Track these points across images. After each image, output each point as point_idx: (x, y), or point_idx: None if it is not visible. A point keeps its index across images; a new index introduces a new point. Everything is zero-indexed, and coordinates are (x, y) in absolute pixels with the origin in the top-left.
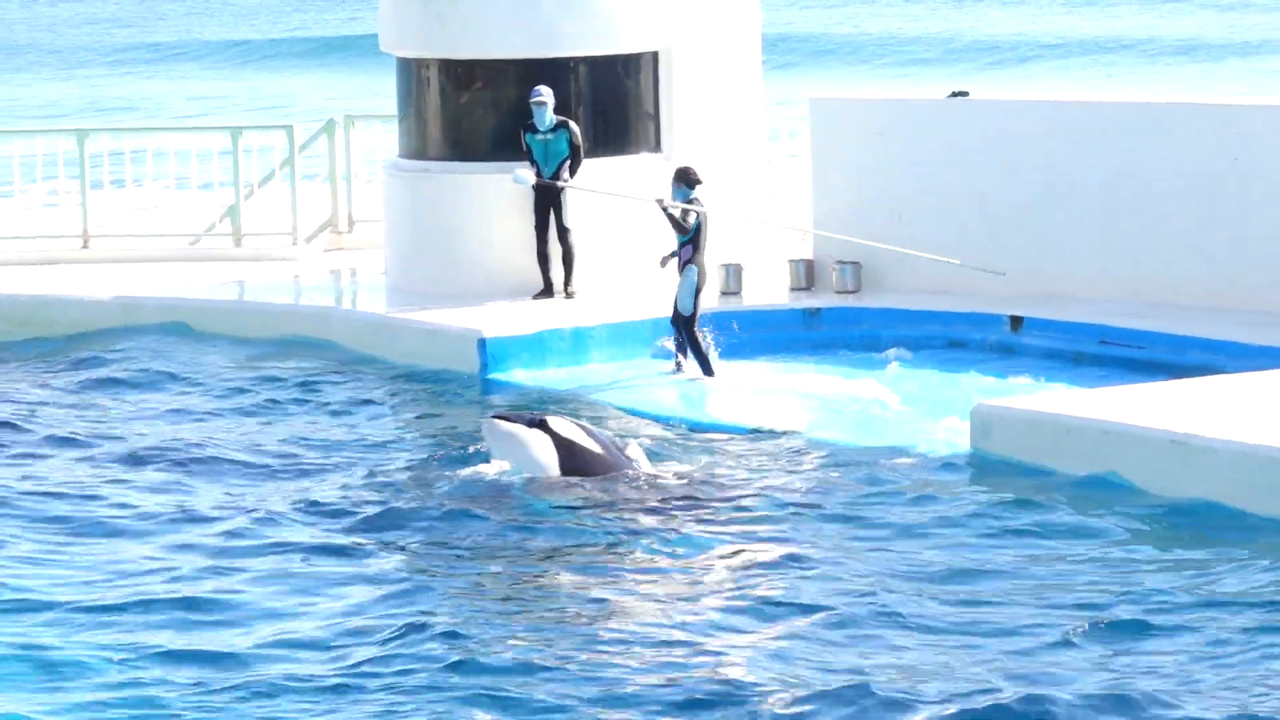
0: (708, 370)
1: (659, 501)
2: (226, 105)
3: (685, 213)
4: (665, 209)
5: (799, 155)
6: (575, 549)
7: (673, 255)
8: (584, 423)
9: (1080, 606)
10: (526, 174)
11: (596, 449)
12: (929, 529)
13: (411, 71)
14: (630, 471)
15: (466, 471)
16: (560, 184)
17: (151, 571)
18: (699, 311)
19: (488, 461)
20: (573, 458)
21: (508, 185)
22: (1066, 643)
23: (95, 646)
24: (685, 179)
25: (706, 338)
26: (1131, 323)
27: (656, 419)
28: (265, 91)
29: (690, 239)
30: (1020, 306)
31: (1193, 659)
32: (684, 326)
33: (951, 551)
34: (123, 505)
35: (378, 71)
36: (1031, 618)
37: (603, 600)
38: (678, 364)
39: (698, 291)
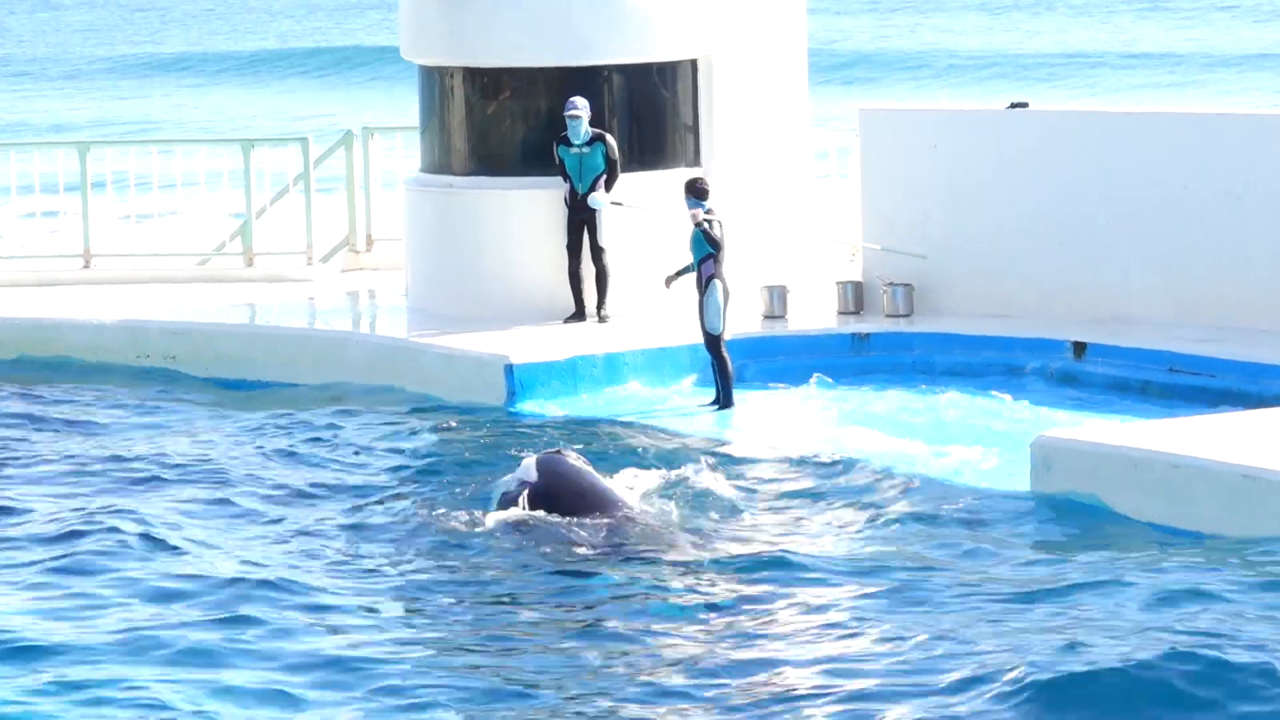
0: (729, 399)
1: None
2: (238, 117)
3: (713, 225)
4: (706, 227)
5: (849, 174)
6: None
7: (680, 274)
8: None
9: (1159, 653)
10: (601, 197)
11: (583, 484)
12: (984, 573)
13: (434, 80)
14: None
15: (491, 515)
16: (638, 207)
17: (154, 599)
18: (726, 331)
19: (511, 498)
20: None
21: (540, 202)
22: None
23: (83, 686)
24: (696, 190)
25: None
26: (1202, 349)
27: (690, 452)
28: (279, 102)
29: (712, 253)
30: (1083, 331)
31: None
32: (712, 348)
33: (1011, 600)
34: (122, 537)
35: (398, 82)
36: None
37: (627, 659)
38: (719, 394)
39: (724, 308)
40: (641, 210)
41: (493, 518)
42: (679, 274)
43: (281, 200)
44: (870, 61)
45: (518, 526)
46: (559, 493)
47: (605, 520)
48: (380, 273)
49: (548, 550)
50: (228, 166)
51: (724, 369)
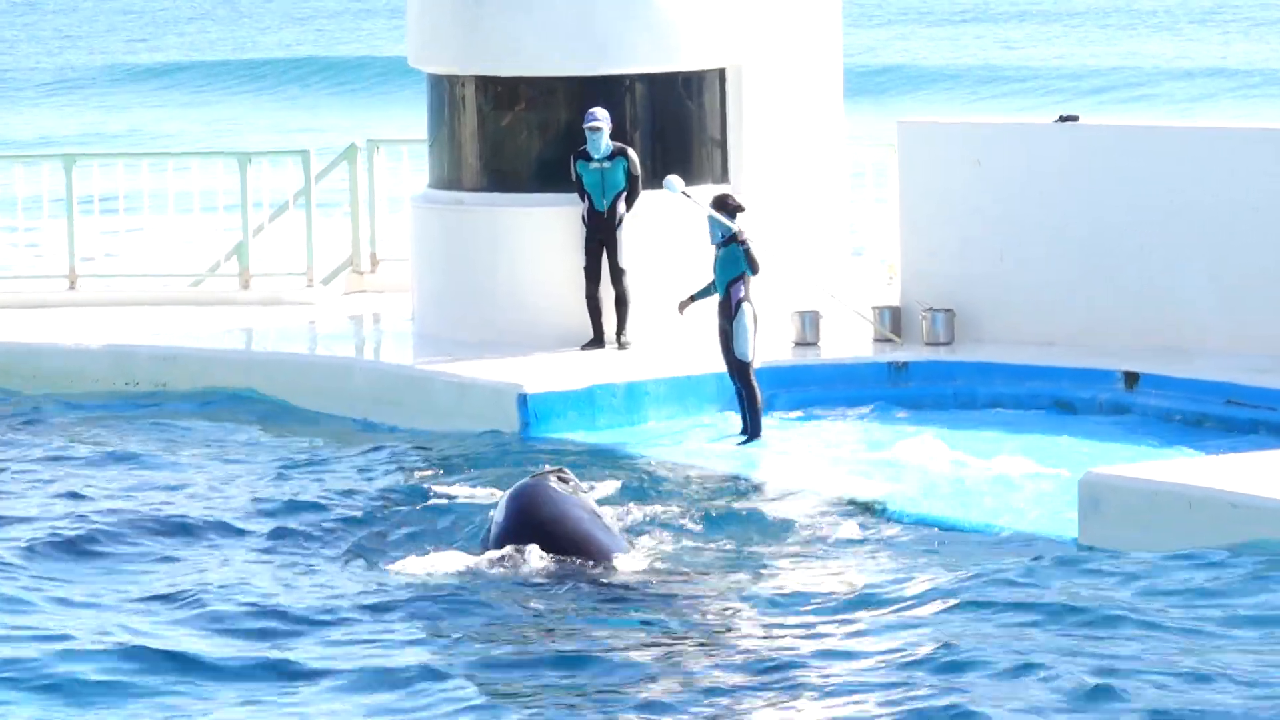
0: (757, 431)
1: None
2: (235, 128)
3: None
4: (749, 246)
5: (886, 195)
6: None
7: (696, 298)
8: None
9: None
10: (676, 180)
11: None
12: (1027, 619)
13: (444, 90)
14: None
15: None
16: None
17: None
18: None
19: (485, 538)
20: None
21: (556, 221)
22: None
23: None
24: (726, 207)
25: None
26: (1262, 380)
27: (716, 487)
28: (278, 115)
29: (741, 275)
30: (1135, 361)
31: None
32: (741, 375)
33: (1053, 650)
34: (113, 568)
35: (404, 95)
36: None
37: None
38: (745, 426)
39: (754, 333)
40: (703, 210)
41: (461, 561)
42: (694, 298)
43: (280, 218)
44: (905, 74)
45: (484, 570)
46: (527, 532)
47: (585, 563)
48: (385, 295)
49: (510, 594)
50: (223, 181)
51: (753, 399)
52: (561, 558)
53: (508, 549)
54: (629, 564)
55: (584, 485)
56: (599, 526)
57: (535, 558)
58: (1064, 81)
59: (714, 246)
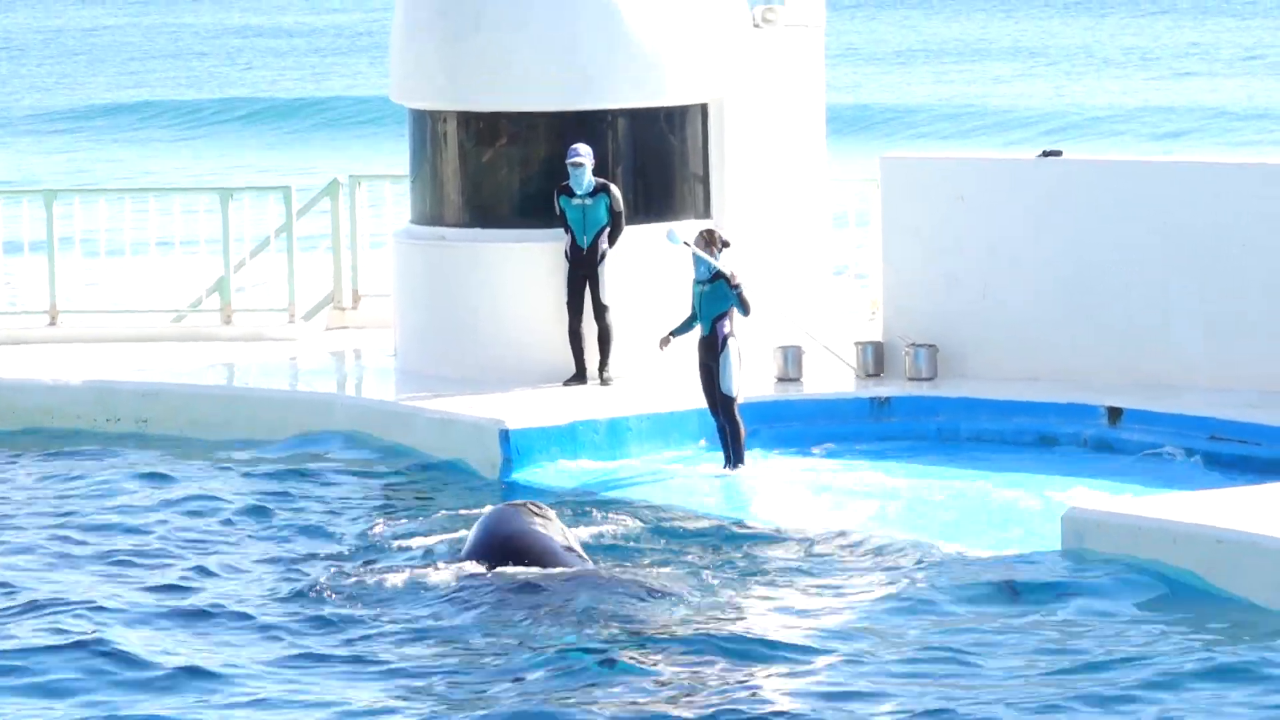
0: (739, 457)
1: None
2: (217, 165)
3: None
4: (739, 289)
5: (868, 234)
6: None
7: (678, 333)
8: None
9: None
10: (678, 231)
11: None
12: (1011, 656)
13: (426, 125)
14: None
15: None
16: (734, 281)
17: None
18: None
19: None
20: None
21: (539, 256)
22: None
23: None
24: (714, 241)
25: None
26: (1247, 415)
27: (699, 522)
28: (259, 154)
29: (727, 311)
30: (1119, 396)
31: None
32: (725, 410)
33: (1037, 684)
34: (83, 613)
35: (384, 133)
36: None
37: None
38: (728, 461)
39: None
40: (694, 251)
41: (430, 576)
42: (675, 334)
43: (262, 253)
44: (889, 115)
45: (448, 583)
46: (495, 543)
47: (548, 581)
48: (367, 331)
49: (470, 610)
50: (205, 217)
51: (736, 433)
52: (527, 577)
53: (470, 564)
54: (593, 583)
55: (554, 515)
56: (565, 549)
57: (499, 573)
58: (1049, 121)
59: (698, 282)
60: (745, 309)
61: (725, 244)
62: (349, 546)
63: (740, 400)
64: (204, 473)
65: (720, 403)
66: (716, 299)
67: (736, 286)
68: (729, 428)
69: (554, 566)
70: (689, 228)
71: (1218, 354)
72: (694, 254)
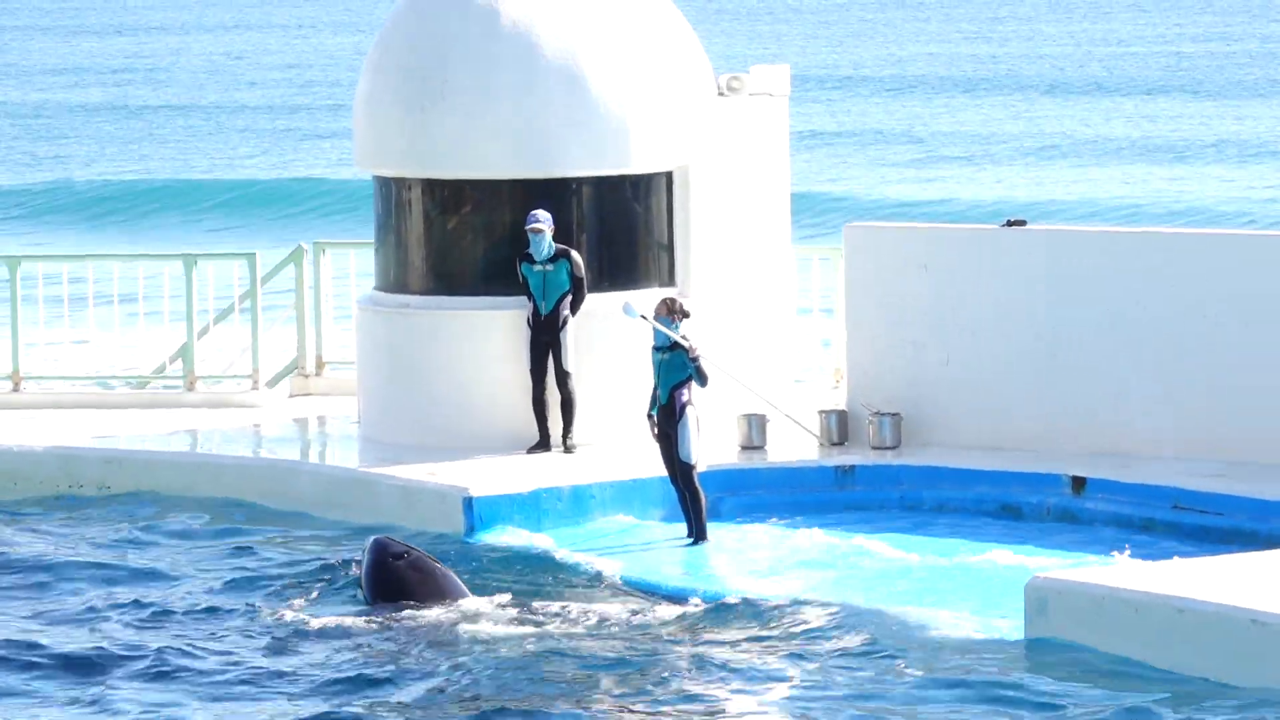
0: (702, 533)
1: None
2: (182, 233)
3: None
4: (698, 360)
5: (832, 302)
6: None
7: (653, 412)
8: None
9: None
10: (634, 304)
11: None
12: None
13: (391, 192)
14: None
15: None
16: (693, 354)
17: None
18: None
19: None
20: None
21: (502, 323)
22: None
23: None
24: (674, 310)
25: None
26: (1209, 485)
27: (664, 592)
28: (224, 215)
29: (686, 379)
30: (1083, 465)
31: None
32: (685, 477)
33: None
34: (31, 689)
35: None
36: None
37: None
38: (691, 529)
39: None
40: (652, 324)
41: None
42: (652, 411)
43: (226, 320)
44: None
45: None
46: (385, 558)
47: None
48: (331, 398)
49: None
50: (169, 284)
51: (697, 501)
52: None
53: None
54: (474, 605)
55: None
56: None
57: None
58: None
59: (657, 349)
60: (703, 380)
61: (685, 314)
62: (317, 624)
63: (701, 468)
64: (164, 540)
65: (679, 471)
66: (675, 368)
67: (696, 359)
68: (689, 496)
69: (439, 574)
70: (653, 296)
71: (1182, 424)
72: (653, 325)
